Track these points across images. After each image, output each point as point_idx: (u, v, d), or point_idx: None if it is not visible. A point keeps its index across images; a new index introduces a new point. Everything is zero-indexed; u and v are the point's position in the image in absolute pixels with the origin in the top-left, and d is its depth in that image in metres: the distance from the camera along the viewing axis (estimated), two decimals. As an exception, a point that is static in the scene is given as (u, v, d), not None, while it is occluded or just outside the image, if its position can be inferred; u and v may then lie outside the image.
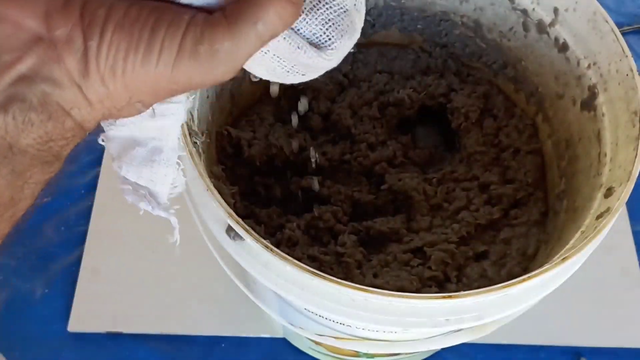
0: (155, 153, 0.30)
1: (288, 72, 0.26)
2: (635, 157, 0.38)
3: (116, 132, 0.28)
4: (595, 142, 0.44)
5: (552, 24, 0.48)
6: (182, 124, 0.37)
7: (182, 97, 0.27)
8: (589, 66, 0.45)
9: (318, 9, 0.25)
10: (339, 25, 0.25)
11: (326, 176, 0.51)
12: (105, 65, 0.21)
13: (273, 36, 0.22)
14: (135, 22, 0.20)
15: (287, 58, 0.25)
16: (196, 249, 0.65)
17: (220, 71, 0.22)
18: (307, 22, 0.25)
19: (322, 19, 0.25)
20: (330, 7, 0.25)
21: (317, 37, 0.25)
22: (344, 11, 0.25)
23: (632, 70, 0.41)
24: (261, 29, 0.21)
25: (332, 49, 0.26)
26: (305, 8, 0.24)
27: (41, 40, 0.20)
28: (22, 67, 0.20)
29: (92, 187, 0.70)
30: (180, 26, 0.21)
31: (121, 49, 0.20)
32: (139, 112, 0.24)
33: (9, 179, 0.21)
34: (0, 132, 0.20)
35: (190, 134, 0.39)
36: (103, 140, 0.29)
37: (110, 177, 0.70)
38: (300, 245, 0.47)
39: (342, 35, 0.25)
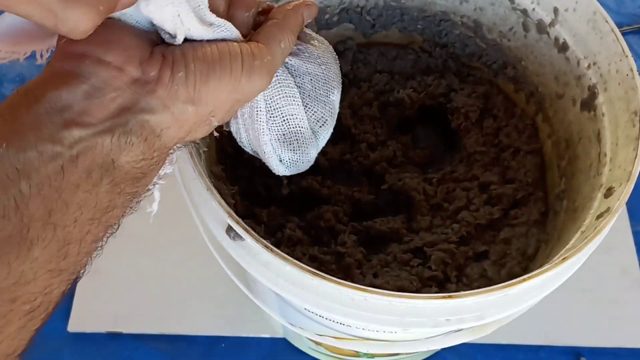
0: None
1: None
2: (635, 157, 0.38)
3: None
4: (595, 142, 0.44)
5: (552, 24, 0.48)
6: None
7: None
8: (589, 66, 0.45)
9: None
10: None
11: (326, 176, 0.51)
12: (193, 88, 0.27)
13: (289, 51, 0.32)
14: (207, 54, 0.28)
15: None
16: (196, 249, 0.65)
17: (268, 78, 0.30)
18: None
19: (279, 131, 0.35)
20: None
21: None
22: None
23: (632, 70, 0.41)
24: (284, 46, 0.31)
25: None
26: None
27: (138, 81, 0.26)
28: (125, 101, 0.26)
29: (92, 187, 0.70)
30: (237, 51, 0.28)
31: (203, 73, 0.27)
32: (212, 128, 0.30)
33: (108, 188, 0.26)
34: (106, 150, 0.25)
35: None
36: None
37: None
38: (301, 245, 0.47)
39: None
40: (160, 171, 0.31)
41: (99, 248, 0.28)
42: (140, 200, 0.29)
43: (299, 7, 0.33)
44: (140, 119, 0.26)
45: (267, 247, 0.34)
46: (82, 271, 0.27)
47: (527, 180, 0.50)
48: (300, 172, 0.37)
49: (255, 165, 0.50)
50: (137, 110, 0.26)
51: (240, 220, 0.35)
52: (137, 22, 0.27)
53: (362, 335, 0.42)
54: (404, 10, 0.55)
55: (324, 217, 0.48)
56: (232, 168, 0.49)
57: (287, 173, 0.37)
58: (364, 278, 0.45)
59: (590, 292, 0.65)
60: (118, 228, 0.29)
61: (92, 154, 0.25)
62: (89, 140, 0.24)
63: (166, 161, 0.30)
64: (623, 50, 0.42)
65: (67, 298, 0.64)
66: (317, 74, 0.34)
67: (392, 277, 0.45)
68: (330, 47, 0.36)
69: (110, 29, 0.26)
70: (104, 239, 0.28)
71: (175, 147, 0.29)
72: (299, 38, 0.34)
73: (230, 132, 0.49)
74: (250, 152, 0.38)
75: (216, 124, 0.30)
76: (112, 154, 0.25)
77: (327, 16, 0.54)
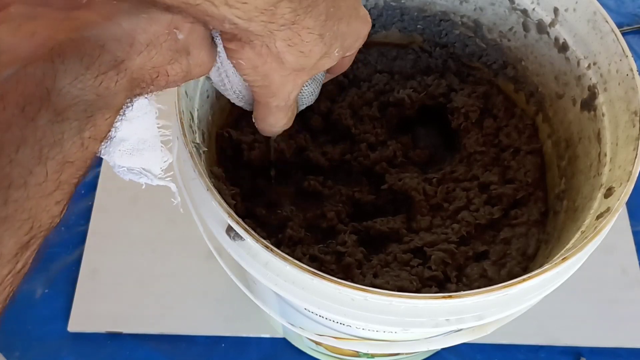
0: (140, 142, 0.32)
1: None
2: (635, 157, 0.38)
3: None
4: (595, 142, 0.44)
5: (552, 24, 0.48)
6: (182, 123, 0.38)
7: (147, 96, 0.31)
8: (589, 66, 0.45)
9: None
10: None
11: (326, 176, 0.51)
12: None
13: None
14: None
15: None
16: (196, 249, 0.65)
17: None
18: None
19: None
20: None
21: None
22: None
23: (632, 70, 0.41)
24: None
25: None
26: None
27: (64, 5, 0.26)
28: (50, 30, 0.25)
29: (92, 187, 0.70)
30: None
31: None
32: (199, 66, 0.30)
33: (50, 118, 0.24)
34: (37, 79, 0.23)
35: (190, 134, 0.39)
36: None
37: (110, 177, 0.70)
38: (301, 245, 0.47)
39: None
40: (161, 167, 0.31)
41: (66, 192, 0.25)
42: (109, 139, 0.27)
43: None
44: (76, 38, 0.24)
45: (267, 247, 0.34)
46: (45, 221, 0.24)
47: (527, 180, 0.50)
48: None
49: (255, 166, 0.50)
50: (70, 32, 0.25)
51: (240, 220, 0.35)
52: None
53: (362, 335, 0.42)
54: (404, 10, 0.55)
55: (326, 217, 0.48)
56: (232, 169, 0.49)
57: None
58: (364, 278, 0.45)
59: (590, 292, 0.65)
60: (87, 170, 0.26)
61: (21, 87, 0.23)
62: (16, 75, 0.23)
63: (143, 97, 0.28)
64: (623, 50, 0.42)
65: (67, 298, 0.64)
66: None
67: (392, 277, 0.45)
68: None
69: None
70: (69, 181, 0.25)
71: (147, 77, 0.27)
72: None
73: (230, 135, 0.49)
74: (238, 102, 0.37)
75: (181, 37, 0.28)
76: (46, 82, 0.23)
77: (327, 16, 0.54)
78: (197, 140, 0.42)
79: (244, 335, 0.64)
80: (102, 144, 0.26)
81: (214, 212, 0.38)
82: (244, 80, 0.34)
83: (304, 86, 0.38)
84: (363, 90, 0.55)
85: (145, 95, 0.29)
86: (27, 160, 0.23)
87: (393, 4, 0.54)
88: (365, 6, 0.54)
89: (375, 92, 0.55)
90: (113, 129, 0.27)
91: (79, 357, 0.63)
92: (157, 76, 0.28)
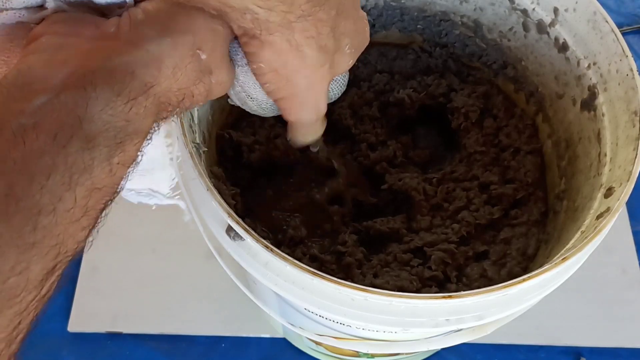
0: (150, 162, 0.33)
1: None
2: (635, 157, 0.38)
3: None
4: (595, 142, 0.44)
5: (552, 24, 0.48)
6: (182, 123, 0.38)
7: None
8: (589, 66, 0.45)
9: None
10: None
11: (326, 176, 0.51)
12: (159, 22, 0.28)
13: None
14: None
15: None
16: (196, 249, 0.65)
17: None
18: None
19: None
20: None
21: None
22: None
23: (632, 70, 0.41)
24: None
25: None
26: None
27: (97, 38, 0.28)
28: (82, 59, 0.26)
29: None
30: None
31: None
32: (217, 88, 0.31)
33: (80, 145, 0.24)
34: (70, 107, 0.24)
35: (190, 134, 0.39)
36: None
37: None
38: (302, 245, 0.47)
39: None
40: (170, 185, 0.31)
41: (93, 218, 0.26)
42: (135, 164, 0.27)
43: None
44: (107, 66, 0.25)
45: (267, 247, 0.34)
46: (71, 246, 0.24)
47: (527, 180, 0.50)
48: None
49: (255, 167, 0.50)
50: (101, 60, 0.26)
51: (240, 220, 0.35)
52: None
53: (362, 335, 0.42)
54: (404, 10, 0.55)
55: (334, 219, 0.48)
56: (232, 169, 0.49)
57: None
58: (364, 278, 0.45)
59: (590, 292, 0.65)
60: (113, 197, 0.26)
61: (54, 115, 0.24)
62: (49, 104, 0.24)
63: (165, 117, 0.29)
64: (623, 50, 0.42)
65: (67, 298, 0.64)
66: None
67: (392, 277, 0.45)
68: None
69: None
70: (95, 207, 0.25)
71: (173, 99, 0.28)
72: None
73: (230, 136, 0.49)
74: (266, 113, 0.38)
75: (204, 57, 0.29)
76: (78, 110, 0.24)
77: (327, 16, 0.54)
78: (197, 140, 0.42)
79: (244, 335, 0.64)
80: (130, 168, 0.27)
81: (214, 212, 0.38)
82: (268, 94, 0.34)
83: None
84: (363, 90, 0.55)
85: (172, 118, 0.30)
86: (57, 187, 0.23)
87: (393, 4, 0.54)
88: (365, 6, 0.55)
89: (375, 92, 0.55)
90: (140, 154, 0.27)
91: (79, 357, 0.63)
92: (183, 98, 0.29)
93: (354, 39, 0.34)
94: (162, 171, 0.38)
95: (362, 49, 0.36)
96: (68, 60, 0.26)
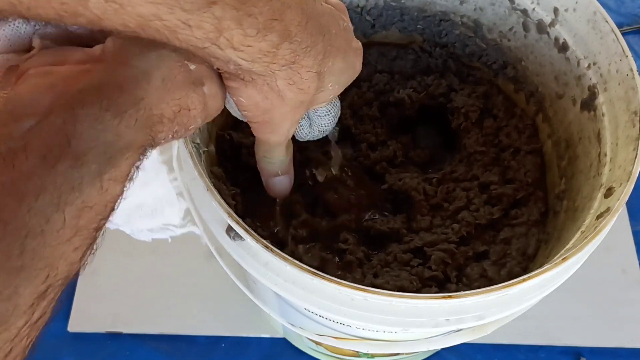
0: (158, 201, 0.33)
1: None
2: (635, 157, 0.38)
3: (125, 205, 0.32)
4: (595, 142, 0.44)
5: (552, 24, 0.48)
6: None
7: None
8: (589, 66, 0.45)
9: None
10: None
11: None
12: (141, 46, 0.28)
13: None
14: None
15: None
16: (196, 249, 0.65)
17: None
18: None
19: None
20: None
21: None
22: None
23: (632, 70, 0.41)
24: None
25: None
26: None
27: (84, 61, 0.28)
28: (70, 83, 0.26)
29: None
30: None
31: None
32: (212, 101, 0.31)
33: (69, 163, 0.24)
34: (57, 128, 0.24)
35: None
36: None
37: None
38: (303, 244, 0.47)
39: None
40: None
41: (86, 238, 0.25)
42: (131, 180, 0.27)
43: None
44: (95, 84, 0.25)
45: (267, 247, 0.34)
46: (63, 269, 0.24)
47: (527, 180, 0.50)
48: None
49: (255, 167, 0.50)
50: (88, 80, 0.26)
51: (240, 220, 0.35)
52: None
53: (362, 335, 0.42)
54: (404, 10, 0.55)
55: (332, 219, 0.48)
56: (232, 169, 0.49)
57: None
58: (364, 278, 0.45)
59: (590, 292, 0.66)
60: (107, 215, 0.26)
61: (42, 135, 0.23)
62: (37, 126, 0.24)
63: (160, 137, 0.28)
64: (623, 50, 0.42)
65: (67, 298, 0.64)
66: None
67: (392, 277, 0.45)
68: None
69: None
70: (88, 226, 0.25)
71: (167, 112, 0.28)
72: None
73: (231, 137, 0.49)
74: None
75: (193, 67, 0.29)
76: (67, 129, 0.24)
77: (327, 16, 0.54)
78: (197, 140, 0.42)
79: (244, 335, 0.64)
80: (124, 185, 0.26)
81: (214, 212, 0.38)
82: (245, 117, 0.34)
83: (322, 115, 0.40)
84: (363, 90, 0.55)
85: (172, 136, 0.29)
86: (46, 208, 0.23)
87: (393, 4, 0.54)
88: (365, 6, 0.55)
89: (375, 92, 0.55)
90: (135, 170, 0.27)
91: (79, 357, 0.63)
92: (179, 111, 0.28)
93: (341, 77, 0.35)
94: (172, 207, 0.38)
95: (349, 84, 0.36)
96: (55, 83, 0.26)
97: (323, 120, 0.40)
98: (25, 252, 0.22)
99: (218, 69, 0.30)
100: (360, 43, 0.36)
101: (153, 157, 0.39)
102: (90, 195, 0.24)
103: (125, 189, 0.26)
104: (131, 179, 0.27)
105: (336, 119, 0.41)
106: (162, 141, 0.29)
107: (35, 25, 0.29)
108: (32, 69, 0.27)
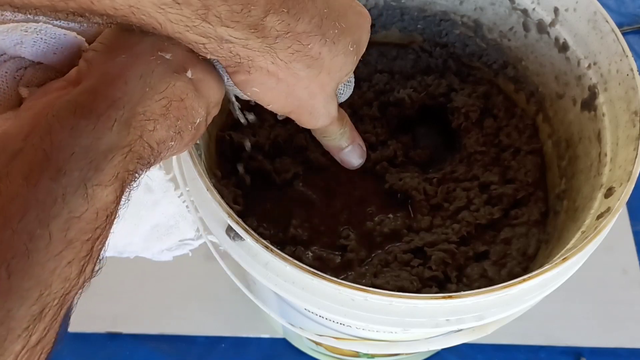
0: (171, 218, 0.34)
1: None
2: (636, 157, 0.38)
3: (140, 230, 0.32)
4: (595, 142, 0.44)
5: (552, 24, 0.48)
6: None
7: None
8: (589, 66, 0.45)
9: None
10: None
11: (327, 176, 0.51)
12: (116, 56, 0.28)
13: None
14: None
15: None
16: (196, 249, 0.65)
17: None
18: None
19: None
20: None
21: None
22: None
23: (632, 70, 0.41)
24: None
25: None
26: None
27: (62, 88, 0.28)
28: (41, 106, 0.26)
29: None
30: None
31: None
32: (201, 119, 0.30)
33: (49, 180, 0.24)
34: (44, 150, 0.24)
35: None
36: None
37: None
38: (303, 244, 0.47)
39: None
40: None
41: (79, 250, 0.24)
42: (126, 186, 0.26)
43: None
44: (70, 99, 0.25)
45: (267, 247, 0.34)
46: (58, 286, 0.23)
47: (528, 180, 0.50)
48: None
49: (255, 168, 0.50)
50: (64, 97, 0.25)
51: (240, 220, 0.35)
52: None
53: (362, 335, 0.42)
54: (404, 10, 0.55)
55: (333, 218, 0.48)
56: (232, 169, 0.49)
57: None
58: (365, 278, 0.45)
59: (590, 292, 0.65)
60: (101, 225, 0.25)
61: (23, 157, 0.23)
62: (19, 150, 0.24)
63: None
64: (623, 50, 0.42)
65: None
66: None
67: (392, 277, 0.45)
68: None
69: None
70: (79, 238, 0.24)
71: (155, 108, 0.27)
72: None
73: (231, 137, 0.49)
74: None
75: (169, 57, 0.28)
76: (44, 144, 0.24)
77: (327, 16, 0.54)
78: (197, 141, 0.41)
79: (244, 335, 0.64)
80: (110, 189, 0.25)
81: (214, 212, 0.38)
82: (276, 111, 0.34)
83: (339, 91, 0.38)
84: (363, 90, 0.55)
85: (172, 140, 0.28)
86: (30, 225, 0.22)
87: (393, 3, 0.54)
88: (365, 6, 0.54)
89: (375, 92, 0.55)
90: (127, 173, 0.26)
91: (79, 357, 0.63)
92: (169, 103, 0.27)
93: (355, 35, 0.33)
94: (185, 220, 0.38)
95: (365, 45, 0.36)
96: (33, 106, 0.26)
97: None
98: (12, 274, 0.21)
99: (212, 57, 0.29)
100: (362, 7, 0.35)
101: (159, 176, 0.38)
102: (76, 204, 0.23)
103: (119, 196, 0.25)
104: (127, 186, 0.26)
105: (351, 88, 0.40)
106: (165, 141, 0.28)
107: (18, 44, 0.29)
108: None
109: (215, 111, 0.32)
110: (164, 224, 0.35)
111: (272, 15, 0.27)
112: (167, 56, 0.28)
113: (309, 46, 0.30)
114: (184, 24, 0.25)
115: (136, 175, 0.26)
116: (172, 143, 0.28)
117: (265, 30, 0.27)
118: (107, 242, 0.26)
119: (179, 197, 0.37)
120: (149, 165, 0.27)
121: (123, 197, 0.26)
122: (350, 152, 0.42)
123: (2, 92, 0.29)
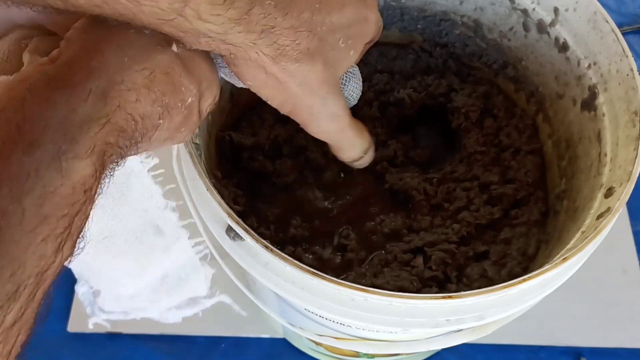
0: (182, 270, 0.33)
1: None
2: (636, 157, 0.38)
3: (149, 277, 0.32)
4: (595, 142, 0.44)
5: (552, 24, 0.48)
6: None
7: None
8: (589, 66, 0.45)
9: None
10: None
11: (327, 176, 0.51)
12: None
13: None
14: None
15: None
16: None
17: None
18: None
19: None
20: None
21: None
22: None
23: (632, 70, 0.41)
24: None
25: None
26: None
27: (42, 66, 0.27)
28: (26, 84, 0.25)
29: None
30: None
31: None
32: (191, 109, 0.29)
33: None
34: None
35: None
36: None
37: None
38: (304, 244, 0.47)
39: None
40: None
41: (55, 227, 0.23)
42: (109, 165, 0.25)
43: None
44: (45, 72, 0.25)
45: (267, 247, 0.34)
46: (32, 263, 0.22)
47: (528, 180, 0.50)
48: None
49: (255, 168, 0.50)
50: (39, 72, 0.25)
51: (240, 220, 0.35)
52: None
53: (362, 335, 0.42)
54: (404, 10, 0.55)
55: (333, 218, 0.48)
56: (232, 169, 0.49)
57: None
58: (365, 278, 0.45)
59: (590, 292, 0.65)
60: (79, 199, 0.24)
61: None
62: None
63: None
64: (623, 50, 0.42)
65: (67, 298, 0.64)
66: None
67: (392, 277, 0.45)
68: None
69: None
70: (55, 213, 0.23)
71: (137, 78, 0.26)
72: None
73: (231, 137, 0.49)
74: None
75: (147, 32, 0.27)
76: (16, 118, 0.23)
77: (327, 16, 0.54)
78: (197, 141, 0.42)
79: (244, 335, 0.64)
80: (87, 161, 0.24)
81: (214, 212, 0.38)
82: (278, 109, 0.33)
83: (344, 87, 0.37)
84: (363, 90, 0.55)
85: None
86: (1, 201, 0.21)
87: (393, 3, 0.54)
88: (365, 6, 0.54)
89: (375, 92, 0.55)
90: (106, 146, 0.25)
91: (79, 357, 0.63)
92: (152, 74, 0.26)
93: (349, 30, 0.32)
94: (197, 274, 0.38)
95: (364, 39, 0.34)
96: (9, 81, 0.25)
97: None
98: None
99: (190, 48, 0.28)
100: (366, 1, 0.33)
101: (172, 220, 0.37)
102: (50, 178, 0.22)
103: (98, 169, 0.24)
104: (108, 160, 0.25)
105: (358, 91, 0.39)
106: (151, 116, 0.26)
107: None
108: None
109: (209, 94, 0.31)
110: (174, 275, 0.34)
111: (258, 7, 0.26)
112: (146, 31, 0.27)
113: (296, 43, 0.28)
114: (159, 18, 0.25)
115: (118, 149, 0.25)
116: (161, 121, 0.27)
117: (249, 24, 0.26)
118: (89, 220, 0.25)
119: (192, 247, 0.37)
120: (134, 140, 0.26)
121: (105, 172, 0.25)
122: (365, 161, 0.42)
123: (2, 53, 0.28)
